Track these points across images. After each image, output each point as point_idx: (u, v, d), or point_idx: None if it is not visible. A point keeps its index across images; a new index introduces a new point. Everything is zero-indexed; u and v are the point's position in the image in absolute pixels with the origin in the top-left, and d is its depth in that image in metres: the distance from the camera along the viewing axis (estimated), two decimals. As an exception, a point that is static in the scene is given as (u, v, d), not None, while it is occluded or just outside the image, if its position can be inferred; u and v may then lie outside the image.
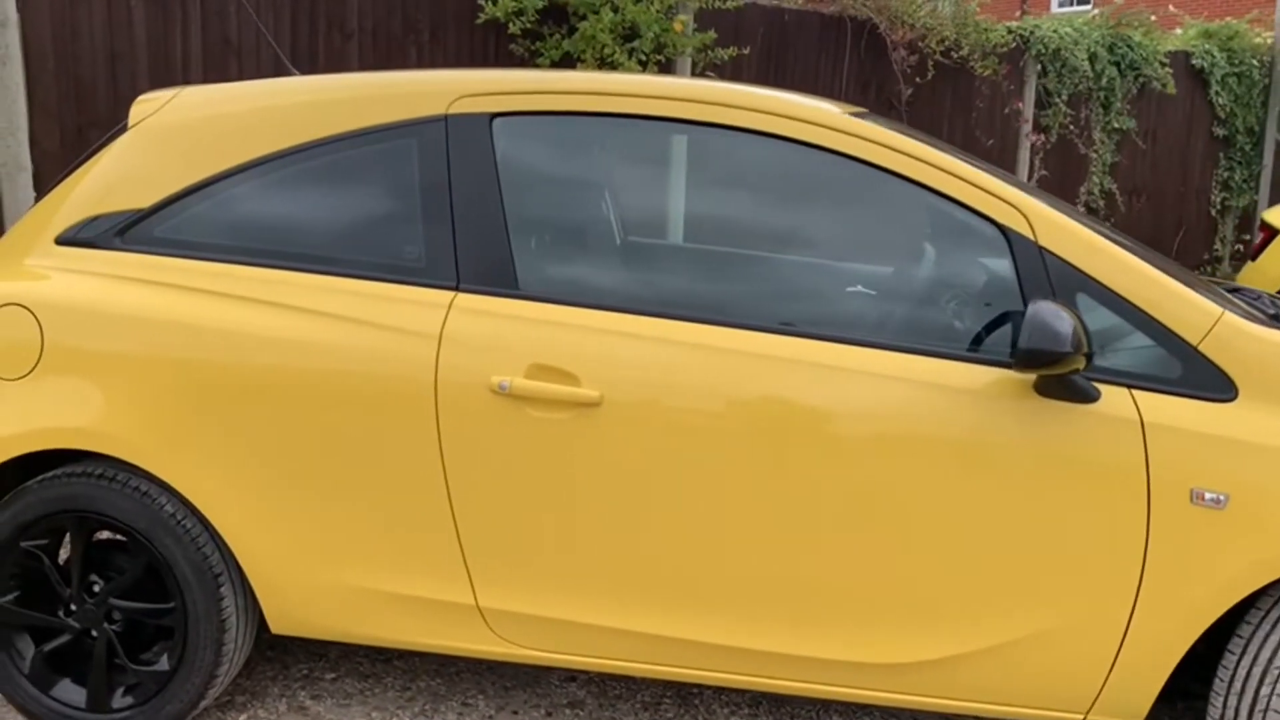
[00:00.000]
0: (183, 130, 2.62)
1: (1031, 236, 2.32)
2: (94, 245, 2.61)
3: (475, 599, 2.48)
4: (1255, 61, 10.38)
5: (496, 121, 2.50)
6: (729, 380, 2.31)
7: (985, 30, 7.67)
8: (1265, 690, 2.21)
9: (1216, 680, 2.30)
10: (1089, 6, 17.11)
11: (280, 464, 2.47)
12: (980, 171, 2.38)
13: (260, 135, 2.57)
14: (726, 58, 5.91)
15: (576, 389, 2.34)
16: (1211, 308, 2.28)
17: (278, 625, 2.62)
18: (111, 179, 2.64)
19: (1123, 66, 9.19)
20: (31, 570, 2.65)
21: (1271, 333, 2.28)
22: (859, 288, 2.67)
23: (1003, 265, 2.36)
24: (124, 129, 2.71)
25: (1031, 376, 2.27)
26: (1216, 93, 10.23)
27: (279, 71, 5.01)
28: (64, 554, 2.73)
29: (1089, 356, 2.14)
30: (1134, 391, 2.25)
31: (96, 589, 2.64)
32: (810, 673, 2.41)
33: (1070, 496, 2.24)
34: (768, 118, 2.41)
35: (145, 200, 2.61)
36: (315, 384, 2.44)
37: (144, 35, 4.75)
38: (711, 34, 5.82)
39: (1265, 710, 2.20)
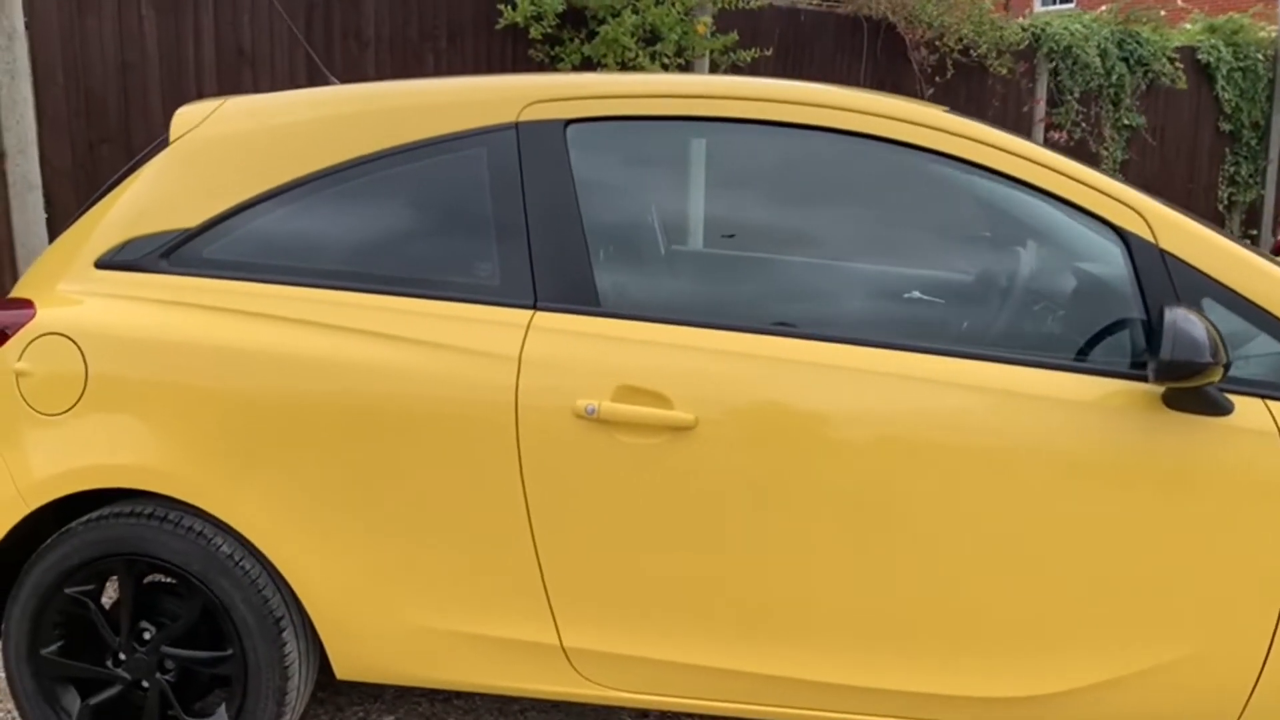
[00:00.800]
0: (231, 143, 2.46)
1: (1152, 239, 2.18)
2: (138, 268, 2.44)
3: (559, 638, 2.32)
4: (1260, 56, 10.31)
5: (571, 129, 2.34)
6: (836, 399, 2.16)
7: (1000, 28, 7.57)
8: None
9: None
10: (1072, 5, 17.08)
11: (347, 498, 2.30)
12: (1094, 172, 2.24)
13: (317, 148, 2.41)
14: (749, 59, 5.77)
15: (669, 412, 2.18)
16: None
17: (343, 670, 2.44)
18: (154, 197, 2.47)
19: (1132, 63, 9.10)
20: (76, 618, 2.47)
21: None
22: (914, 293, 2.51)
23: (1119, 270, 2.22)
24: (164, 143, 2.54)
25: (1159, 389, 2.12)
26: (1222, 88, 10.16)
27: (295, 82, 4.84)
28: (107, 598, 2.56)
29: (1227, 367, 2.00)
30: (1268, 402, 2.11)
31: (147, 636, 2.46)
32: (933, 710, 2.25)
33: (1205, 513, 2.09)
34: (873, 119, 2.26)
35: (193, 219, 2.43)
36: (385, 412, 2.27)
37: (155, 45, 4.58)
38: (734, 36, 5.68)
39: None
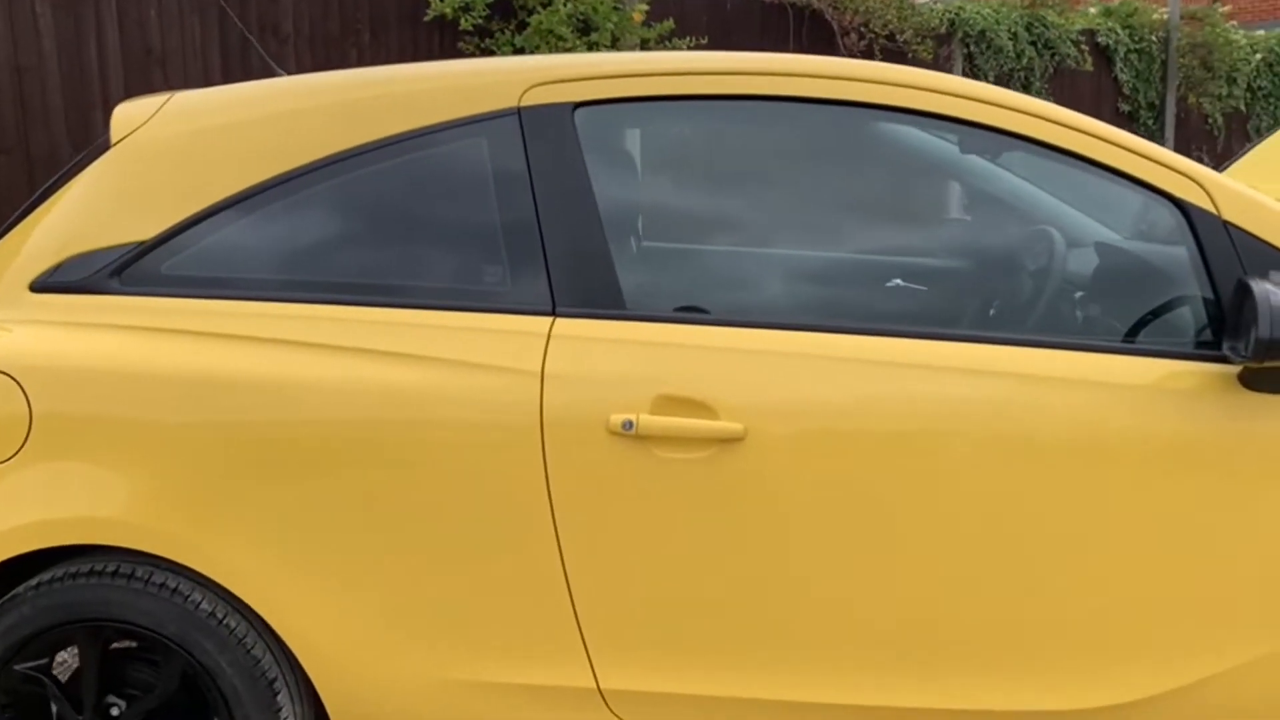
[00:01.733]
0: (188, 143, 2.15)
1: (1215, 211, 2.04)
2: (84, 289, 2.12)
3: (595, 680, 2.08)
4: (1153, 38, 10.57)
5: (580, 112, 2.10)
6: (895, 398, 1.97)
7: (920, 13, 7.55)
8: None
9: None
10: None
11: (347, 539, 2.03)
12: (1148, 143, 2.10)
13: (291, 145, 2.12)
14: (686, 47, 5.59)
15: (715, 422, 1.96)
16: None
17: (347, 732, 2.17)
18: (97, 207, 2.15)
19: (1040, 46, 9.22)
20: (27, 698, 2.14)
21: None
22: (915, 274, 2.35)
23: (1180, 246, 2.08)
24: (103, 146, 2.22)
25: (1235, 370, 1.99)
26: (1120, 70, 10.38)
27: (210, 83, 4.46)
28: (62, 668, 2.23)
29: (1319, 342, 1.87)
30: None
31: (115, 713, 2.14)
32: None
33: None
34: (910, 92, 2.07)
35: (147, 231, 2.12)
36: (386, 439, 2.00)
37: (53, 45, 4.16)
38: (670, 23, 5.49)
39: None
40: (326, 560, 2.04)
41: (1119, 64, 10.26)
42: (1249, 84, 11.37)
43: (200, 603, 2.06)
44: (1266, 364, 1.85)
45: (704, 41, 5.78)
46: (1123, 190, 2.09)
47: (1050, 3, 9.13)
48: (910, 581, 2.00)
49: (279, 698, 2.10)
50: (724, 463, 1.97)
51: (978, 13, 8.53)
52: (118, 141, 2.19)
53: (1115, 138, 2.07)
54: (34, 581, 2.07)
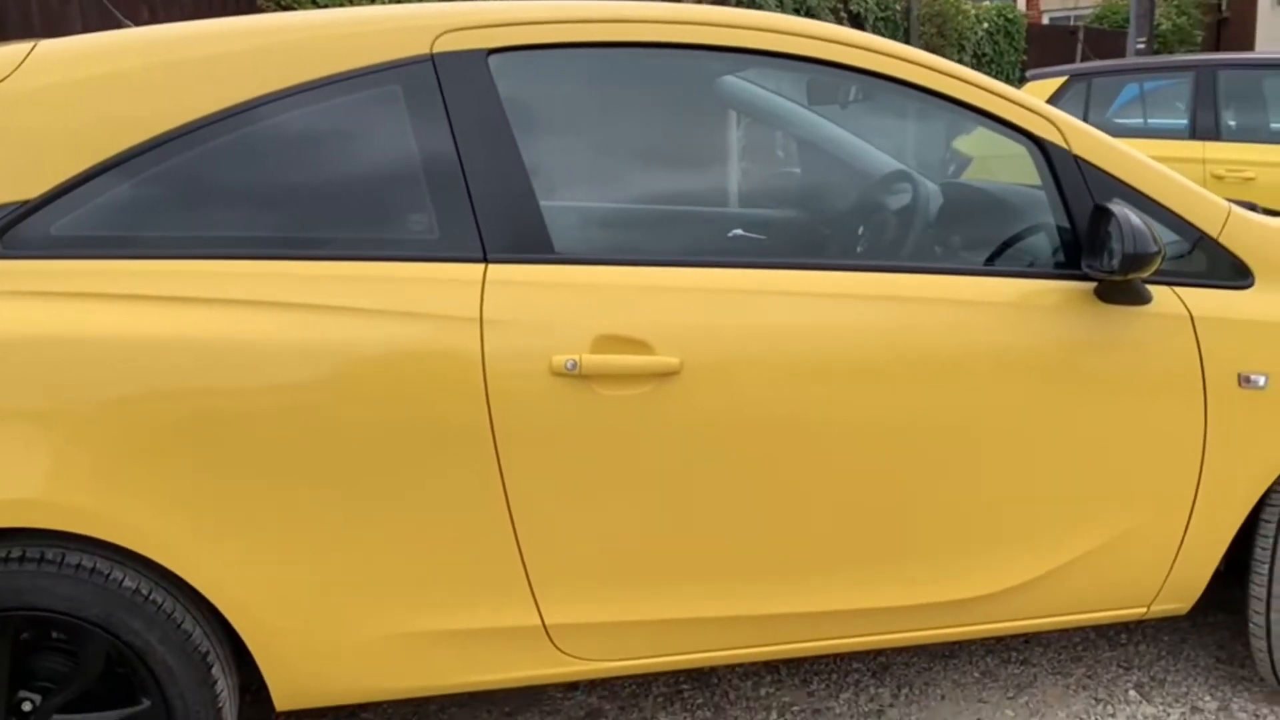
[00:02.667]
0: (72, 94, 1.99)
1: (1066, 146, 2.31)
2: (-43, 254, 1.93)
3: (541, 618, 2.13)
4: (897, 6, 11.37)
5: (494, 59, 2.11)
6: (806, 326, 2.11)
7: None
8: (1311, 550, 2.36)
9: (1257, 548, 2.43)
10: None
11: (283, 501, 1.97)
12: (1006, 86, 2.33)
13: (190, 94, 2.01)
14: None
15: (653, 357, 2.05)
16: (1221, 202, 2.39)
17: (286, 699, 2.11)
18: (-34, 165, 1.96)
19: (801, 13, 9.71)
20: (-78, 704, 1.96)
21: (1272, 220, 2.42)
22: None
23: (1037, 178, 2.34)
24: None
25: (1091, 286, 2.26)
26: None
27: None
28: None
29: (1164, 255, 2.16)
30: (1175, 288, 2.31)
31: (28, 708, 1.99)
32: (911, 621, 2.29)
33: (1139, 398, 2.26)
34: (809, 42, 2.20)
35: (29, 189, 1.96)
36: (324, 395, 1.96)
37: None
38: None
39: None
40: (260, 524, 1.97)
41: (869, 30, 10.97)
42: (975, 51, 12.44)
43: (123, 581, 1.95)
44: (1129, 276, 2.12)
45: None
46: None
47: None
48: (824, 497, 2.16)
49: (213, 670, 2.03)
50: (661, 396, 2.06)
51: (743, -21, 8.90)
52: (-20, 93, 2.00)
53: (979, 81, 2.29)
54: (-79, 579, 1.89)
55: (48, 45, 2.08)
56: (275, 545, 1.99)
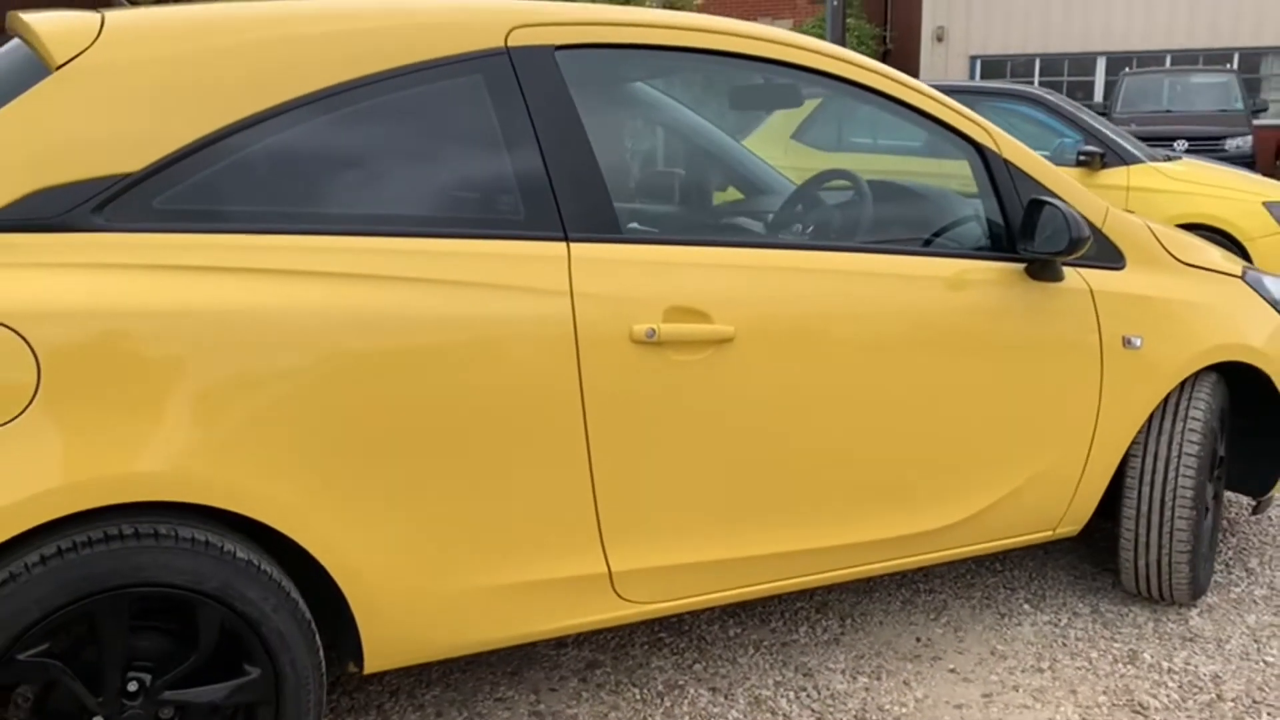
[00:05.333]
0: (163, 68, 1.98)
1: (998, 151, 2.79)
2: (60, 228, 1.89)
3: (607, 565, 2.34)
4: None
5: (560, 54, 2.30)
6: (842, 300, 2.46)
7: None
8: (1172, 473, 2.98)
9: (1128, 479, 3.02)
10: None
11: (389, 463, 2.07)
12: (947, 97, 2.78)
13: (290, 74, 2.06)
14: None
15: (713, 326, 2.31)
16: (1100, 200, 2.96)
17: (378, 660, 2.19)
18: (59, 137, 1.91)
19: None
20: (26, 690, 1.89)
21: (1134, 216, 3.03)
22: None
23: (974, 176, 2.80)
24: (36, 65, 1.96)
25: (1022, 265, 2.75)
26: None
27: None
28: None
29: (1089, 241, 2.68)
30: (1078, 269, 2.85)
31: (134, 688, 1.96)
32: (899, 550, 2.69)
33: (1058, 357, 2.78)
34: (810, 55, 2.55)
35: (132, 163, 1.94)
36: (426, 362, 2.08)
37: None
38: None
39: (1175, 487, 2.97)
40: (367, 487, 2.07)
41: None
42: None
43: (236, 552, 1.98)
44: (1070, 256, 2.62)
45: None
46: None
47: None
48: (843, 446, 2.52)
49: (317, 637, 2.09)
50: (719, 360, 2.33)
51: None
52: (64, 64, 1.95)
53: (927, 90, 2.73)
54: (33, 557, 1.83)
55: (121, 16, 2.06)
56: (379, 507, 2.08)
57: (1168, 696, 2.70)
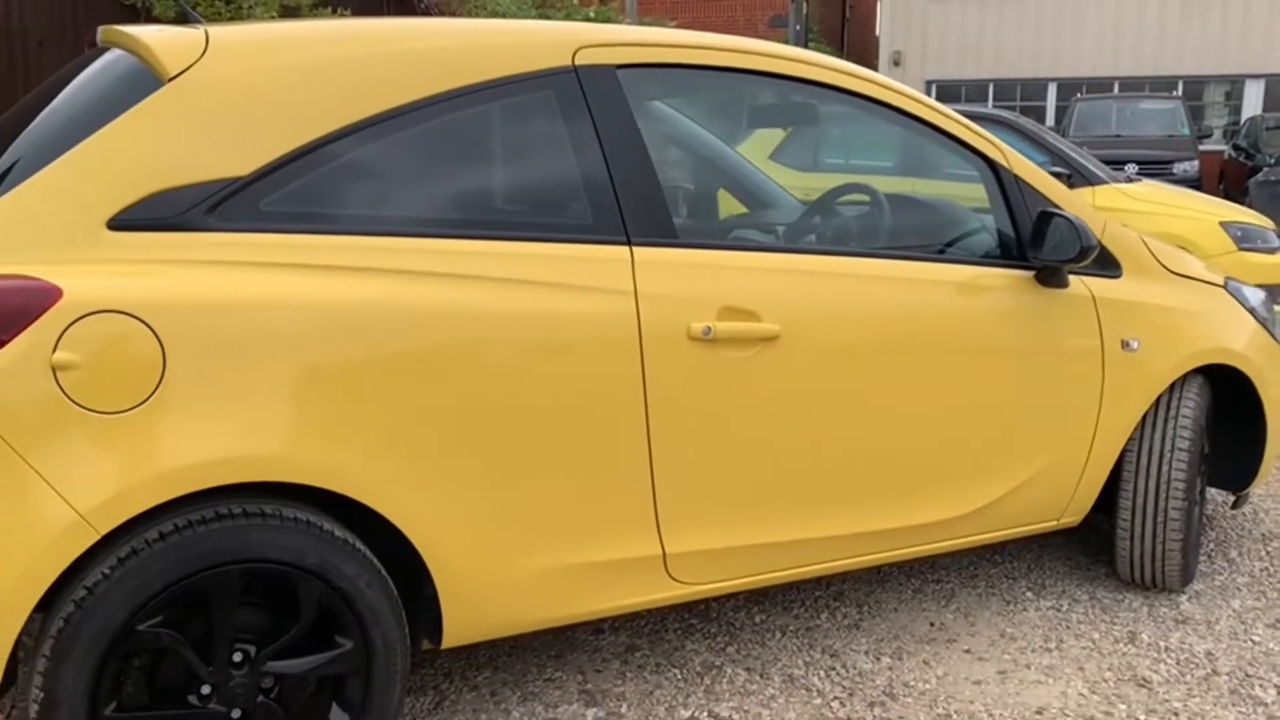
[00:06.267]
0: (266, 81, 2.14)
1: (1008, 166, 3.01)
2: (175, 227, 2.03)
3: (662, 548, 2.50)
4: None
5: (621, 73, 2.48)
6: (873, 302, 2.66)
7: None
8: (1165, 468, 3.21)
9: (1124, 473, 3.25)
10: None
11: (470, 447, 2.23)
12: (963, 117, 3.00)
13: (377, 87, 2.21)
14: (333, 14, 5.58)
15: (760, 324, 2.50)
16: (1098, 213, 3.19)
17: (455, 636, 2.34)
18: (175, 143, 2.06)
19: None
20: (146, 658, 2.02)
21: (1128, 228, 3.27)
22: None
23: (985, 189, 3.02)
24: (143, 76, 2.10)
25: (1031, 272, 2.97)
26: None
27: None
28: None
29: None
30: (1081, 277, 3.08)
31: (238, 658, 2.09)
32: (922, 536, 2.88)
33: (1066, 358, 3.00)
34: (848, 78, 2.75)
35: (241, 167, 2.09)
36: (505, 355, 2.24)
37: None
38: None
39: (1169, 480, 3.20)
40: (453, 471, 2.22)
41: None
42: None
43: (334, 531, 2.12)
44: (1079, 264, 2.84)
45: (347, 12, 5.83)
46: None
47: (559, 4, 10.19)
48: (875, 439, 2.71)
49: (403, 613, 2.23)
50: (765, 357, 2.52)
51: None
52: (176, 76, 2.09)
53: (946, 110, 2.94)
54: (152, 534, 1.97)
55: (223, 31, 2.21)
56: (462, 490, 2.24)
57: (1167, 671, 2.92)
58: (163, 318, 1.94)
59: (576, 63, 2.43)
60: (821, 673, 2.88)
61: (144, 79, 2.12)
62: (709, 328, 2.42)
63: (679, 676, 2.85)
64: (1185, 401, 3.21)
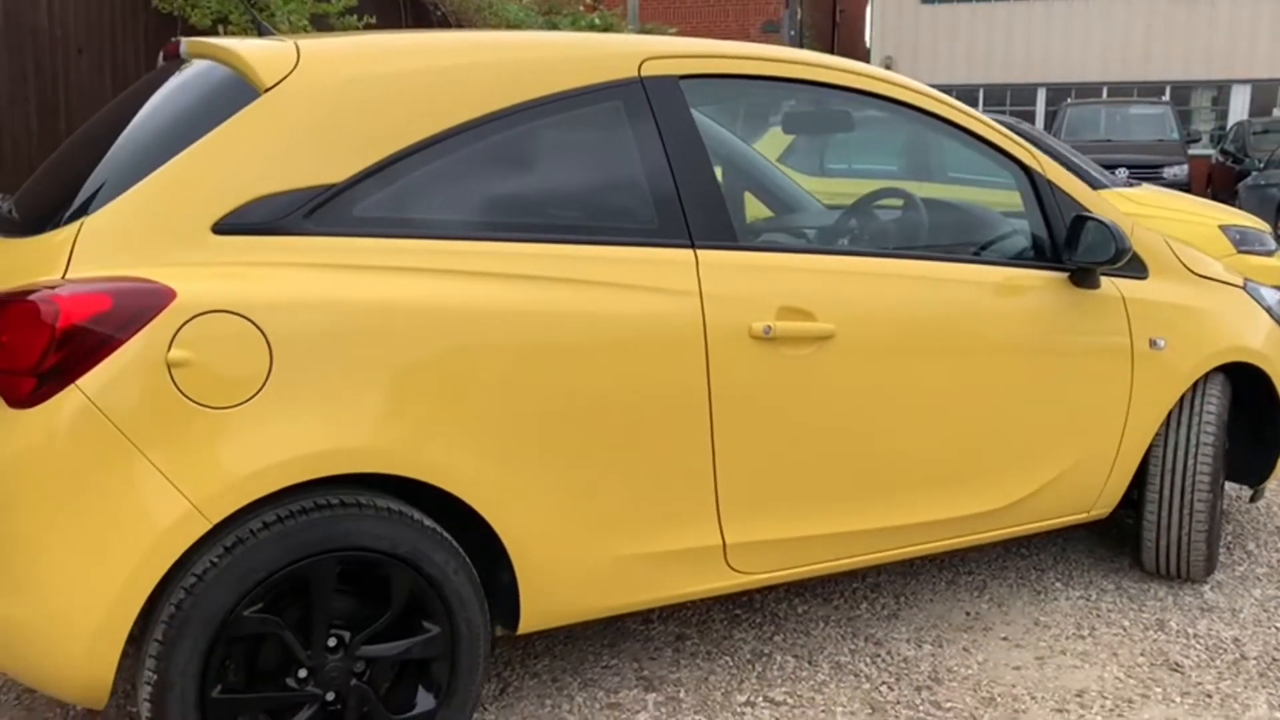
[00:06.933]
0: (357, 91, 2.24)
1: (1042, 172, 3.13)
2: (275, 231, 2.13)
3: (722, 539, 2.61)
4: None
5: (683, 83, 2.59)
6: (920, 302, 2.78)
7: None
8: (1191, 462, 3.33)
9: (1151, 468, 3.37)
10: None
11: (549, 440, 2.33)
12: (998, 124, 3.12)
13: (459, 97, 2.32)
14: (359, 26, 5.69)
15: (816, 324, 2.61)
16: (1125, 217, 3.32)
17: (532, 622, 2.44)
18: (276, 150, 2.16)
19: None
20: (250, 642, 2.12)
21: (1153, 231, 3.39)
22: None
23: (1020, 194, 3.14)
24: (238, 86, 2.21)
25: (1065, 273, 3.09)
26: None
27: None
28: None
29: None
30: (1111, 278, 3.20)
31: (333, 643, 2.19)
32: (966, 528, 3.00)
33: (1098, 357, 3.12)
34: (895, 87, 2.87)
35: (335, 174, 2.19)
36: (581, 352, 2.35)
37: None
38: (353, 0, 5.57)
39: (1194, 474, 3.33)
40: (532, 463, 2.32)
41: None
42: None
43: (424, 520, 2.22)
44: (1114, 266, 2.96)
45: (373, 20, 5.93)
46: None
47: (564, 11, 10.32)
48: (923, 434, 2.83)
49: (484, 599, 2.33)
50: (821, 355, 2.63)
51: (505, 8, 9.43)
52: (273, 86, 2.19)
53: (984, 118, 3.06)
54: (256, 524, 2.06)
55: (313, 43, 2.31)
56: (541, 481, 2.34)
57: (1198, 657, 3.04)
58: (270, 317, 2.04)
59: (642, 74, 2.54)
60: (867, 659, 3.00)
61: (239, 89, 2.22)
62: (769, 327, 2.53)
63: (730, 664, 2.96)
64: (1209, 398, 3.34)
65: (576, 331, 2.35)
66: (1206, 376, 3.36)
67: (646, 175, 2.50)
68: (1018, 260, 3.08)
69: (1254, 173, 14.75)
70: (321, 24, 5.48)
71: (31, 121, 4.38)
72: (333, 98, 2.22)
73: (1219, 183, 17.12)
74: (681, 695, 2.80)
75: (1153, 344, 3.22)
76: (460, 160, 2.31)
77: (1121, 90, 21.28)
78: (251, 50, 2.26)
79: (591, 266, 2.39)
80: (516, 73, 2.39)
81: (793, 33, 15.16)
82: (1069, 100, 18.78)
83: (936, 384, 2.82)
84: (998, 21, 22.50)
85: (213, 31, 4.88)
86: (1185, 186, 14.87)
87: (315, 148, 2.18)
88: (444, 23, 7.13)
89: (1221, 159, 17.87)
